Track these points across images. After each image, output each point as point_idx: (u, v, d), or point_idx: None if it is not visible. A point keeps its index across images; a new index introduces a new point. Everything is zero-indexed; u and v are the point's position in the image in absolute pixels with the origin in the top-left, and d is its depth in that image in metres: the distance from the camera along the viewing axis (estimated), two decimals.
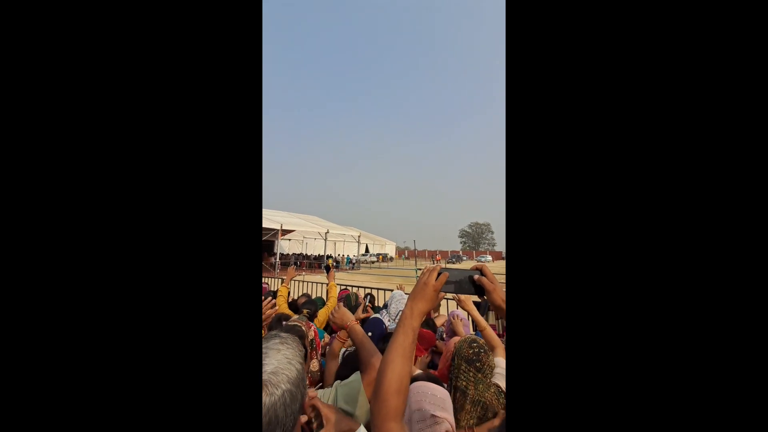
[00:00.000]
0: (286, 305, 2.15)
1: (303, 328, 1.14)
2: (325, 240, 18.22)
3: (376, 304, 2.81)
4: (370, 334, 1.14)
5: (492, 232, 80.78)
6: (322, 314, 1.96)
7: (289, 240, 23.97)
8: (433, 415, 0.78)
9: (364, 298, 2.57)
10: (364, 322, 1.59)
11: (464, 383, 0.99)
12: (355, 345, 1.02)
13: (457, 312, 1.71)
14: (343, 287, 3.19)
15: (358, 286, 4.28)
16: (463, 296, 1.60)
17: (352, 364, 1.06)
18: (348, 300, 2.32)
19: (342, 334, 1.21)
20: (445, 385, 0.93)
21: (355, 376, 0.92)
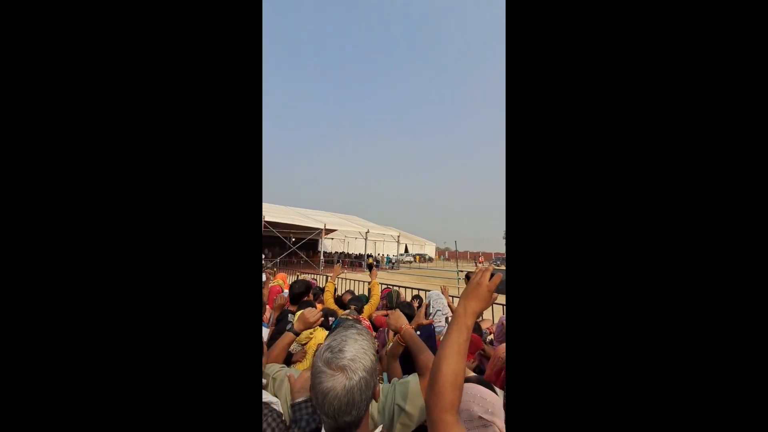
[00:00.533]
0: (332, 300, 2.25)
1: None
2: (366, 239, 18.58)
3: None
4: (418, 332, 1.14)
5: None
6: (367, 310, 2.02)
7: (332, 239, 24.88)
8: (480, 417, 0.76)
9: (413, 299, 2.58)
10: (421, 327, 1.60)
11: None
12: (410, 348, 1.04)
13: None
14: (384, 286, 3.24)
15: (398, 286, 4.31)
16: None
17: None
18: (389, 297, 2.37)
19: (399, 336, 1.22)
20: (498, 390, 0.90)
21: (413, 376, 0.94)
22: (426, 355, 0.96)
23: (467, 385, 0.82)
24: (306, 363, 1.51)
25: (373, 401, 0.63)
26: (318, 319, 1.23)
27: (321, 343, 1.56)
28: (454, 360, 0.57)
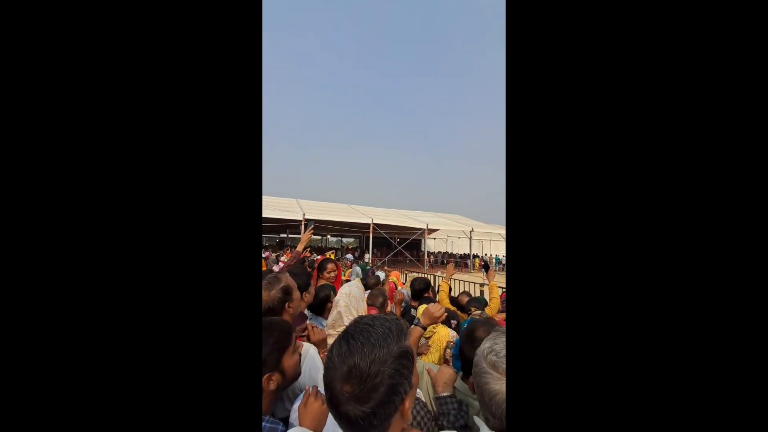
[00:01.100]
0: (447, 300, 2.31)
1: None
2: (470, 239, 17.87)
3: None
4: None
5: None
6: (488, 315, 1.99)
7: (434, 239, 24.95)
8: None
9: None
10: None
11: None
12: None
13: None
14: (504, 289, 3.07)
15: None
16: None
17: None
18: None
19: None
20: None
21: None
22: None
23: None
24: (430, 356, 1.61)
25: None
26: (442, 315, 1.30)
27: (449, 340, 1.63)
28: None
